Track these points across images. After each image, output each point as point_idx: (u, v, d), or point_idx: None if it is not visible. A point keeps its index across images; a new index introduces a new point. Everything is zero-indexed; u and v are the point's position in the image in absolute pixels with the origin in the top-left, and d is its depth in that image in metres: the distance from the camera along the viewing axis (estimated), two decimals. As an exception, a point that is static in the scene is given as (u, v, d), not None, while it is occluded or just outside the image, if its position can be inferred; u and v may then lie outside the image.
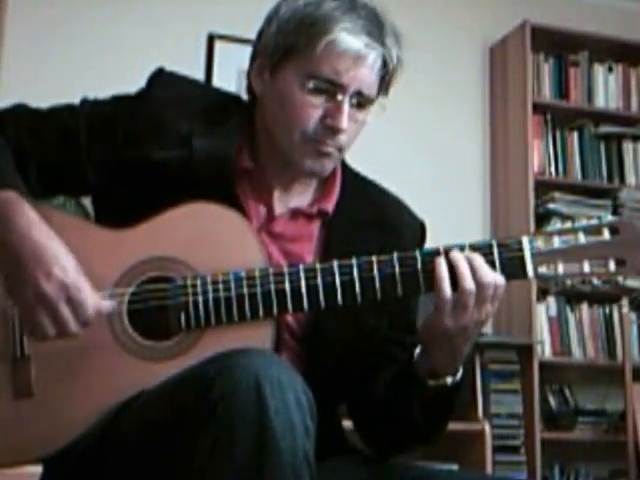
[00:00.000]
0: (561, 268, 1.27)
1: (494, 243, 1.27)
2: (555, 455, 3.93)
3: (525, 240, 1.27)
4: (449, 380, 1.30)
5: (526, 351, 3.83)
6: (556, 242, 1.27)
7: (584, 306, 4.10)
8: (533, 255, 1.26)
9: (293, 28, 1.31)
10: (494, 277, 1.24)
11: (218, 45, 3.91)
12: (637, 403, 3.61)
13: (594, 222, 1.27)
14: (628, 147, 4.31)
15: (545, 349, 3.99)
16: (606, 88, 4.32)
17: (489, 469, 3.37)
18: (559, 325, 4.05)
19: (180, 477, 1.13)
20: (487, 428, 3.42)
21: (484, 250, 1.26)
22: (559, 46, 4.27)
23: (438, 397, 1.31)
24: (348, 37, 1.29)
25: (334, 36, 1.29)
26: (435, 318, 1.25)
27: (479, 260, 1.25)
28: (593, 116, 4.27)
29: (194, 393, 1.11)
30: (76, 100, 1.42)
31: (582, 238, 1.27)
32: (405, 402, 1.32)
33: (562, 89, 4.26)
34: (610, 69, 4.34)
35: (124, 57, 3.70)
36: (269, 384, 1.06)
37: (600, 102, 4.30)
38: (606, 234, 1.27)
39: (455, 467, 3.35)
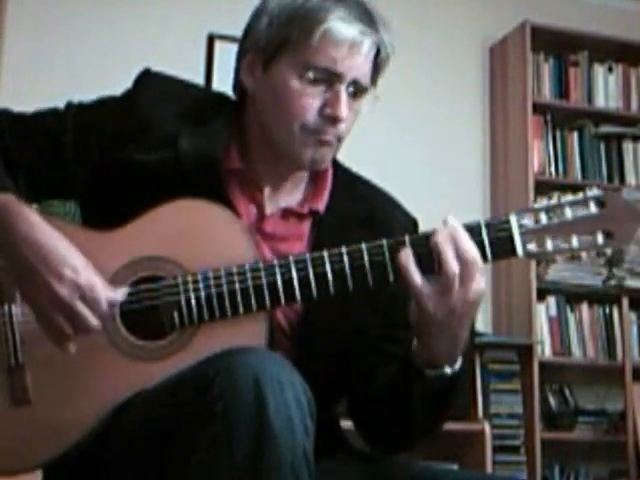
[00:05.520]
0: (549, 244, 1.26)
1: (482, 223, 1.26)
2: (555, 455, 3.93)
3: (513, 218, 1.26)
4: (448, 370, 1.28)
5: (526, 351, 3.83)
6: (543, 219, 1.27)
7: (584, 306, 4.10)
8: (522, 233, 1.26)
9: (285, 21, 1.32)
10: (476, 252, 1.22)
11: (218, 45, 3.91)
12: (637, 403, 3.60)
13: (580, 196, 1.27)
14: (628, 147, 4.31)
15: (545, 349, 3.99)
16: (606, 88, 4.32)
17: (489, 469, 3.36)
18: (559, 325, 4.05)
19: (180, 475, 1.13)
20: (487, 428, 3.41)
21: (472, 231, 1.25)
22: (559, 46, 4.27)
23: (437, 388, 1.29)
24: (343, 25, 1.30)
25: (329, 25, 1.29)
26: (419, 308, 1.23)
27: (463, 236, 1.22)
28: (593, 116, 4.27)
29: (194, 392, 1.11)
30: (74, 100, 1.42)
31: (569, 213, 1.26)
32: (405, 396, 1.30)
33: (562, 89, 4.26)
34: (610, 69, 4.34)
35: (124, 57, 3.69)
36: (269, 383, 1.06)
37: (600, 102, 4.30)
38: (593, 208, 1.26)
39: (455, 467, 3.34)
